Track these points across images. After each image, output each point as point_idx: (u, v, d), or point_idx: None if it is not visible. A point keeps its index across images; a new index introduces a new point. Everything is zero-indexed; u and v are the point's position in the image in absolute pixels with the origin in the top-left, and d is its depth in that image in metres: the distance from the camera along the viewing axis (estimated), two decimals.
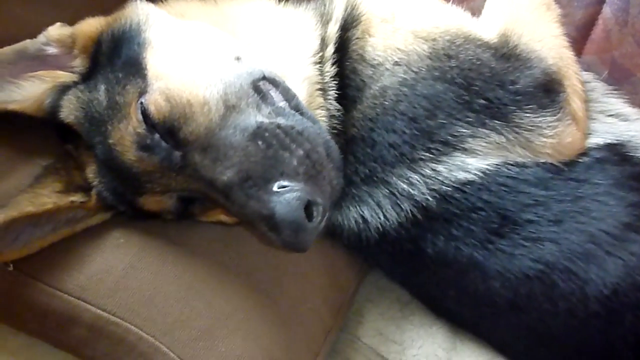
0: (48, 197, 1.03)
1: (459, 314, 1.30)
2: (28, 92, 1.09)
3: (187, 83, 1.00)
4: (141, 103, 0.99)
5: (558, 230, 1.13)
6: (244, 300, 1.08)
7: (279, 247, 0.94)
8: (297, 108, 1.04)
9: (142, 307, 1.02)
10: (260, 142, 0.94)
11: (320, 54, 1.20)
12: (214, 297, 1.06)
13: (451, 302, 1.27)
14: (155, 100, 0.98)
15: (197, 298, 1.05)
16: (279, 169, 0.92)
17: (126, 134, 0.99)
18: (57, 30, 1.11)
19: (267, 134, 0.95)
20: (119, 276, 1.03)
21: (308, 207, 0.90)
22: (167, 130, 0.98)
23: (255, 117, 0.98)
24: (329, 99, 1.18)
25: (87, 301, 1.02)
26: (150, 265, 1.05)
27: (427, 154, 1.15)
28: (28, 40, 1.11)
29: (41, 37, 1.11)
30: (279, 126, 0.96)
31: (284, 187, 0.90)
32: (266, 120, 0.97)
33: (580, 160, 1.19)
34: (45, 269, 1.03)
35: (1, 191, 1.07)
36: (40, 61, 1.11)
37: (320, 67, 1.20)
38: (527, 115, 1.16)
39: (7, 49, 1.10)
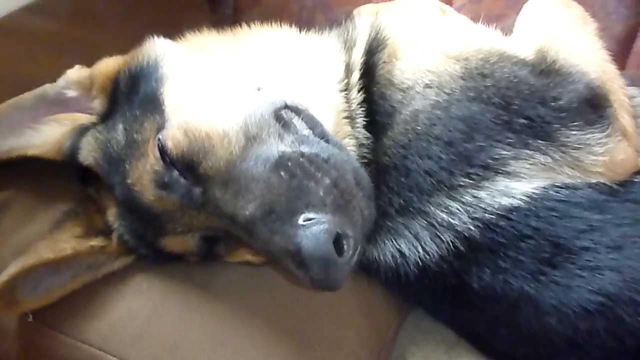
0: (67, 243, 1.00)
1: (511, 355, 1.18)
2: (47, 136, 1.09)
3: (206, 116, 0.97)
4: (159, 139, 0.95)
5: (618, 257, 1.03)
6: (276, 346, 1.01)
7: (308, 287, 0.87)
8: (322, 135, 0.99)
9: (167, 356, 0.97)
10: (283, 173, 0.88)
11: (346, 81, 1.16)
12: (244, 344, 0.99)
13: (502, 341, 1.16)
14: (172, 135, 0.95)
15: (225, 345, 0.98)
16: (304, 200, 0.85)
17: (144, 173, 0.96)
18: (75, 73, 1.12)
19: (290, 164, 0.89)
20: (142, 323, 0.98)
21: (338, 241, 0.83)
22: (186, 166, 0.94)
23: (277, 146, 0.93)
24: (357, 127, 1.13)
25: (109, 352, 0.97)
26: (175, 311, 1.01)
27: (467, 180, 1.07)
28: (47, 85, 1.12)
29: (60, 81, 1.12)
30: (302, 154, 0.91)
31: (310, 219, 0.83)
32: (289, 149, 0.92)
33: (635, 179, 1.10)
34: (65, 318, 1.00)
35: (22, 238, 1.06)
36: (60, 104, 1.12)
37: (346, 94, 1.15)
38: (574, 132, 1.08)
39: (28, 95, 1.10)
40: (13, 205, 1.10)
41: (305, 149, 0.92)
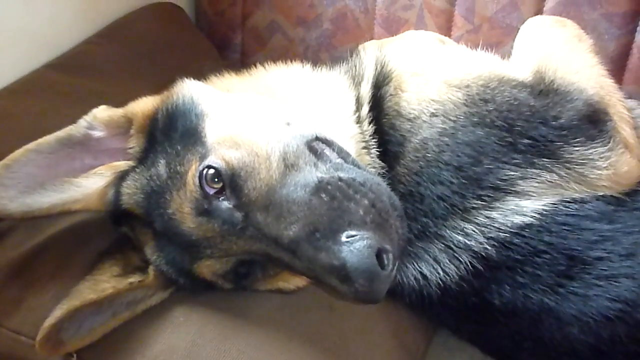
0: (107, 283, 1.04)
1: None
2: (89, 189, 1.11)
3: (251, 138, 1.02)
4: (206, 166, 0.99)
5: (632, 264, 1.07)
6: None
7: (351, 300, 0.91)
8: (354, 164, 1.04)
9: None
10: (323, 195, 0.94)
11: (357, 114, 1.22)
12: None
13: (528, 354, 1.19)
14: (223, 153, 0.99)
15: None
16: (346, 219, 0.91)
17: (185, 201, 1.00)
18: (105, 112, 1.12)
19: (329, 187, 0.95)
20: (182, 356, 1.02)
21: (379, 255, 0.87)
22: (233, 185, 0.98)
23: (314, 173, 0.98)
24: (373, 157, 1.18)
25: None
26: (213, 341, 1.04)
27: (479, 202, 1.12)
28: (71, 127, 1.11)
29: (82, 122, 1.12)
30: (340, 179, 0.96)
31: (352, 236, 0.88)
32: (326, 176, 0.97)
33: None
34: (107, 355, 1.03)
35: (61, 282, 1.09)
36: (83, 146, 1.12)
37: (359, 126, 1.21)
38: (577, 149, 1.13)
39: (50, 137, 1.10)
40: (50, 251, 1.14)
41: (341, 174, 0.97)
